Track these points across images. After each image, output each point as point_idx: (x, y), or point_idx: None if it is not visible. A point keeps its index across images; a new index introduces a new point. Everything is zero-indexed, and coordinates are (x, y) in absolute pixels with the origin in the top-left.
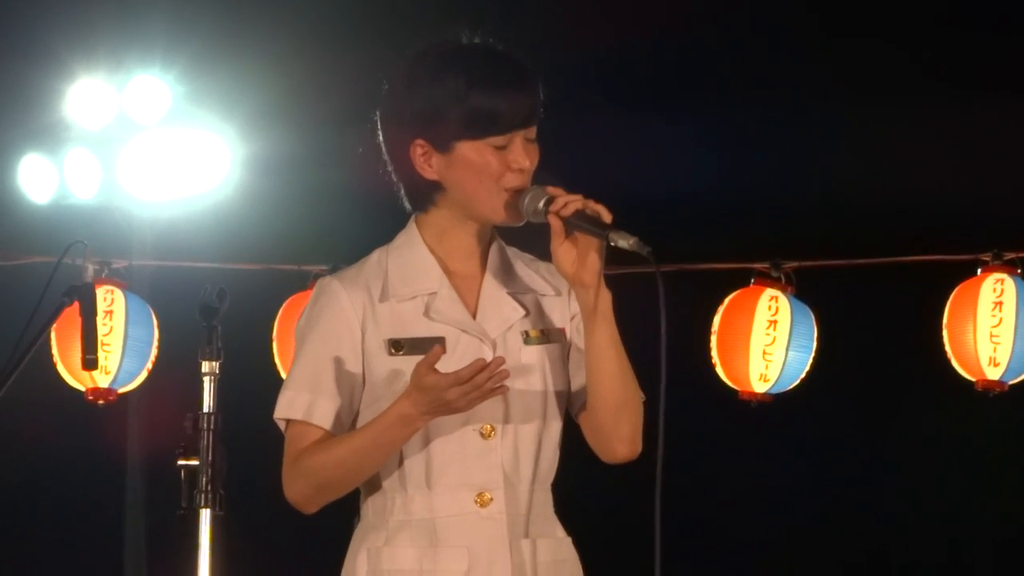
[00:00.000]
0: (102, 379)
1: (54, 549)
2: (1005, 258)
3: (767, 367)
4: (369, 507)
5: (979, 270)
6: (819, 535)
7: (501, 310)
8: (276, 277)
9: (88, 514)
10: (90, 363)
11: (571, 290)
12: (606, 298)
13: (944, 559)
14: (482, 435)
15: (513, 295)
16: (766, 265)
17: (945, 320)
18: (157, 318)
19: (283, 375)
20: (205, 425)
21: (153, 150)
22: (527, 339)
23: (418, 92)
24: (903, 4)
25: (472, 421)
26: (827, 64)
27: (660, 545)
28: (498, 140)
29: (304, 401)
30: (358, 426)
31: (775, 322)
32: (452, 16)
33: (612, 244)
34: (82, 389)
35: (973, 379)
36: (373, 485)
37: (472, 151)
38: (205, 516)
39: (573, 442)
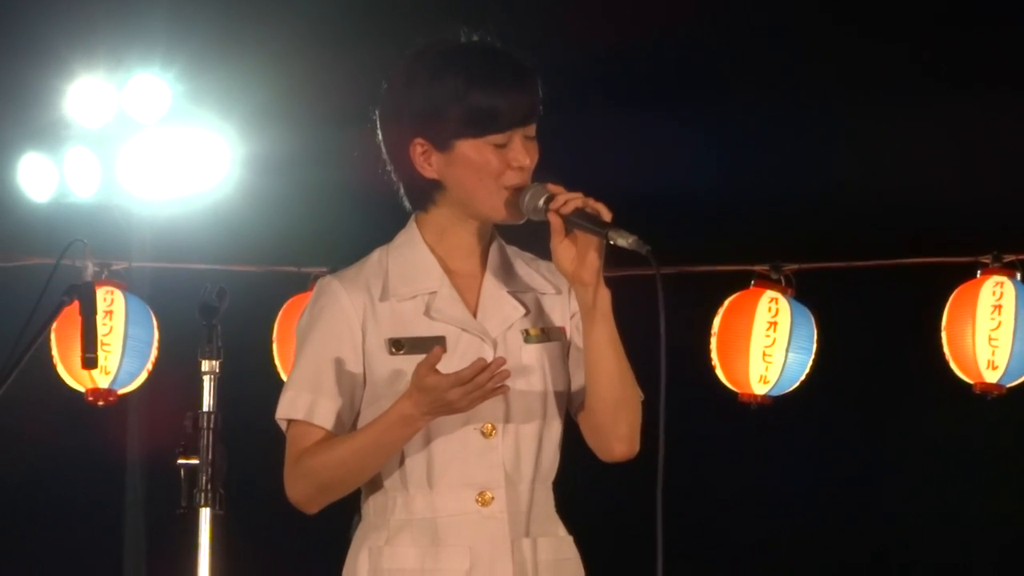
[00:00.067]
0: (102, 379)
1: (54, 549)
2: (1005, 260)
3: (767, 369)
4: (370, 506)
5: (979, 272)
6: (819, 536)
7: (501, 309)
8: (276, 278)
9: (88, 514)
10: (90, 362)
11: (571, 288)
12: (605, 296)
13: (944, 560)
14: (483, 434)
15: (513, 294)
16: (766, 267)
17: (944, 322)
18: (157, 319)
19: (283, 376)
20: (205, 424)
21: (153, 149)
22: (527, 338)
23: (417, 91)
24: (903, 4)
25: (473, 420)
26: (827, 65)
27: (662, 545)
28: (498, 138)
29: (305, 401)
30: (359, 426)
31: (775, 324)
32: (453, 15)
33: (611, 243)
34: (82, 390)
35: (971, 381)
36: (374, 484)
37: (472, 149)
38: (205, 515)
39: (574, 442)
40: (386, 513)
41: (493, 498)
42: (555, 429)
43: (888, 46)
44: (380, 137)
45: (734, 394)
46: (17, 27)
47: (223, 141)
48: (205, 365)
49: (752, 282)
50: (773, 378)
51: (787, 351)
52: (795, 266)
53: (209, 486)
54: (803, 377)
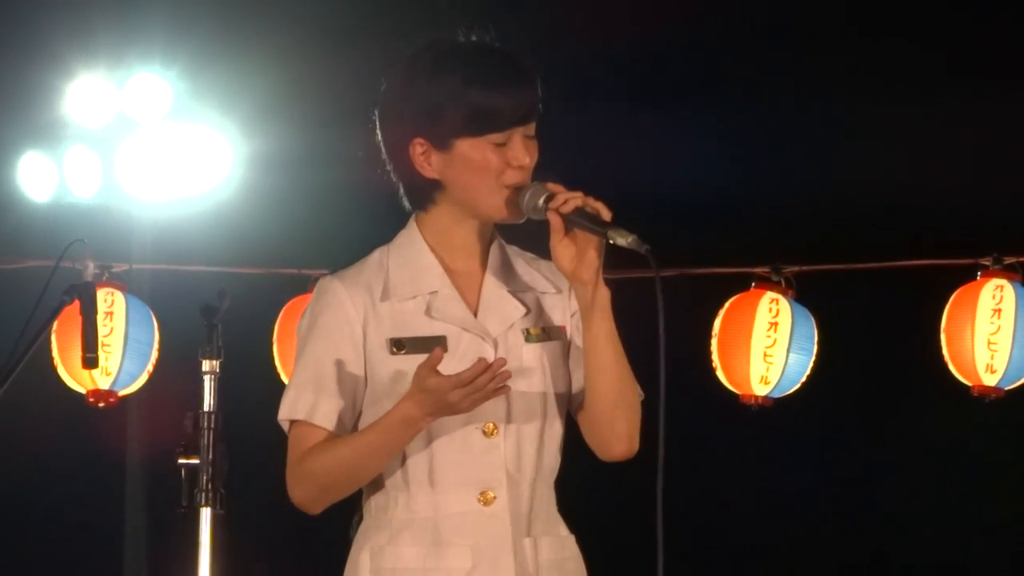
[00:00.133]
0: (103, 381)
1: (54, 549)
2: (1005, 262)
3: (768, 369)
4: (372, 506)
5: (979, 274)
6: (819, 536)
7: (502, 308)
8: (276, 280)
9: (88, 514)
10: (90, 361)
11: (571, 288)
12: (604, 295)
13: (944, 561)
14: (485, 433)
15: (514, 293)
16: (766, 269)
17: (943, 324)
18: (157, 320)
19: (284, 378)
20: (205, 424)
21: (154, 148)
22: (528, 337)
23: (416, 90)
24: (903, 4)
25: (475, 419)
26: (828, 66)
27: (662, 545)
28: (497, 137)
29: (307, 402)
30: (361, 426)
31: (775, 324)
32: (454, 13)
33: (611, 242)
34: (83, 391)
35: (969, 384)
36: (376, 484)
37: (471, 148)
38: (205, 514)
39: (575, 441)
40: (388, 512)
41: (495, 497)
42: (556, 428)
43: (889, 46)
44: (379, 137)
45: (735, 395)
46: (17, 26)
47: (224, 140)
48: (206, 365)
49: (752, 284)
50: (774, 379)
51: (788, 352)
52: (795, 268)
53: (209, 486)
54: (804, 378)
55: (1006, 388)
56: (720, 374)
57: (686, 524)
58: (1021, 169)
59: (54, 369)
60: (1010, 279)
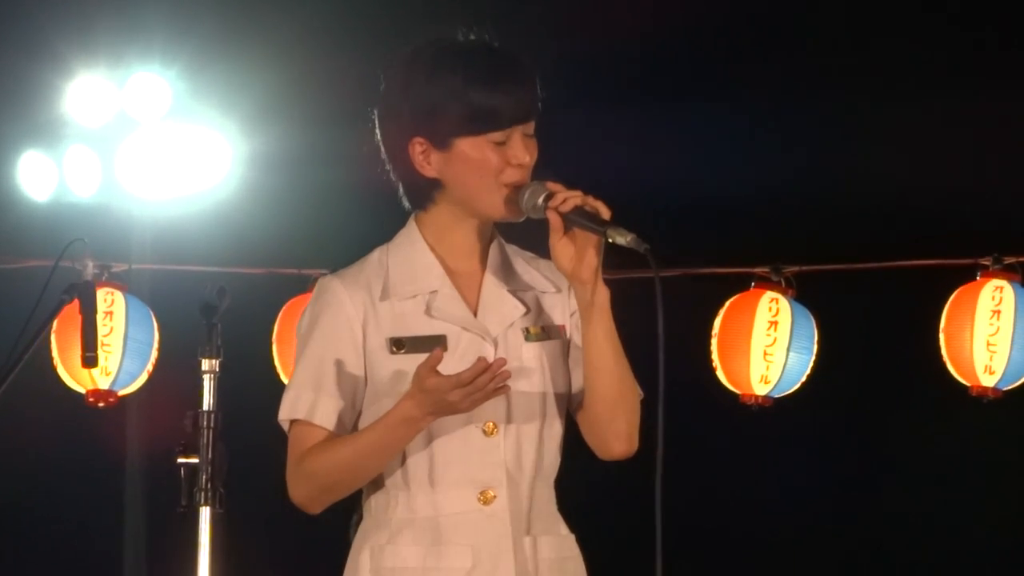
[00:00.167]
0: (102, 380)
1: (54, 549)
2: (1005, 262)
3: (768, 368)
4: (372, 505)
5: (979, 274)
6: (819, 535)
7: (502, 308)
8: (276, 279)
9: (88, 514)
10: (90, 360)
11: (571, 287)
12: (604, 294)
13: (943, 560)
14: (485, 432)
15: (514, 292)
16: (766, 269)
17: (943, 325)
18: (157, 320)
19: (283, 377)
20: (205, 423)
21: (153, 147)
22: (528, 336)
23: (415, 90)
24: (904, 4)
25: (475, 419)
26: (829, 66)
27: (661, 545)
28: (497, 136)
29: (307, 401)
30: (361, 426)
31: (775, 323)
32: (454, 12)
33: (610, 240)
34: (82, 391)
35: (968, 384)
36: (376, 483)
37: (471, 147)
38: (205, 514)
39: (575, 440)
40: (388, 512)
41: (495, 496)
42: (556, 427)
43: (889, 46)
44: (379, 136)
45: (735, 395)
46: (17, 25)
47: (224, 139)
48: (205, 364)
49: (752, 284)
50: (774, 378)
51: (788, 350)
52: (795, 268)
53: (209, 485)
54: (804, 378)
55: (1004, 389)
56: (720, 374)
57: (686, 523)
58: (1021, 169)
59: (54, 369)
60: (1010, 280)
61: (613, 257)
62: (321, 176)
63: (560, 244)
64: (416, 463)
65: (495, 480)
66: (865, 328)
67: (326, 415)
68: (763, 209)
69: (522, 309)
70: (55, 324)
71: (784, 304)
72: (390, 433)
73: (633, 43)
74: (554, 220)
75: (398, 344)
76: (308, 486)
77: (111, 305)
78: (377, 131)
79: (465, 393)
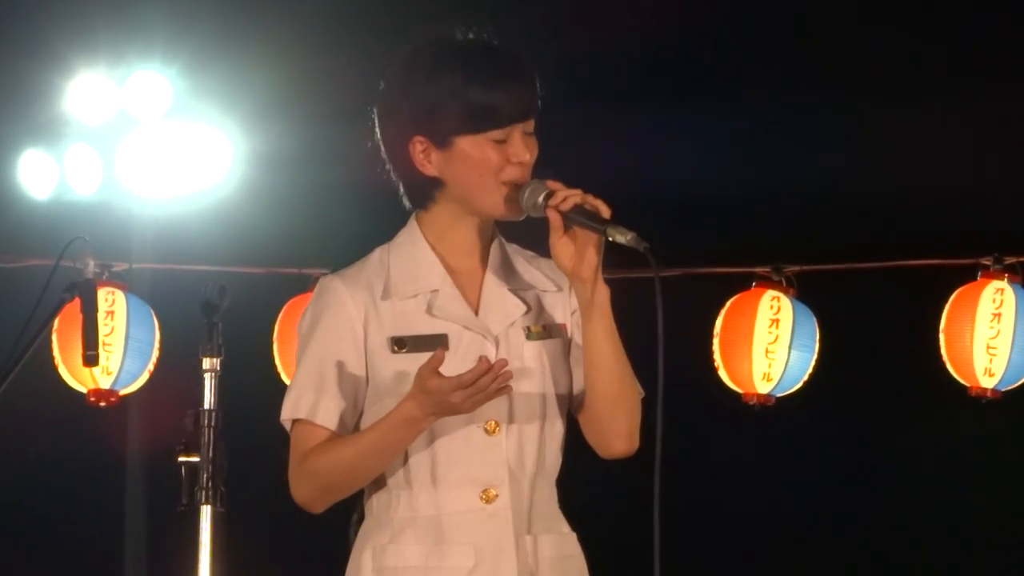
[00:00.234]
0: (104, 380)
1: (55, 548)
2: (1005, 262)
3: (770, 366)
4: (374, 504)
5: (979, 274)
6: (820, 535)
7: (503, 306)
8: (277, 279)
9: (88, 513)
10: (91, 359)
11: (571, 285)
12: (604, 293)
13: (943, 560)
14: (487, 432)
15: (515, 291)
16: (767, 269)
17: (943, 326)
18: (158, 319)
19: (284, 377)
20: (206, 422)
21: (154, 145)
22: (529, 335)
23: (415, 89)
24: (905, 4)
25: (477, 418)
26: (829, 66)
27: (659, 545)
28: (497, 134)
29: (309, 401)
30: (363, 425)
31: (777, 321)
32: (453, 11)
33: (610, 239)
34: (83, 390)
35: (967, 384)
36: (378, 483)
37: (471, 146)
38: (206, 512)
39: (577, 439)
40: (390, 511)
41: (497, 495)
42: (558, 426)
43: (890, 45)
44: (379, 135)
45: (736, 395)
46: (17, 23)
47: (224, 138)
48: (206, 363)
49: (754, 283)
50: (776, 376)
51: (790, 348)
52: (796, 268)
53: (210, 484)
54: (806, 376)
55: (1003, 390)
56: (722, 373)
57: (686, 523)
58: (1021, 169)
59: (54, 368)
60: (1010, 280)
61: (613, 256)
62: (322, 175)
63: (560, 243)
64: (418, 462)
65: (497, 479)
66: (866, 328)
67: (328, 415)
68: (764, 209)
69: (523, 308)
70: (56, 323)
71: (785, 302)
72: (392, 433)
73: (633, 43)
74: (554, 219)
75: (399, 343)
76: (310, 486)
77: (112, 304)
78: (377, 130)
79: (467, 394)
